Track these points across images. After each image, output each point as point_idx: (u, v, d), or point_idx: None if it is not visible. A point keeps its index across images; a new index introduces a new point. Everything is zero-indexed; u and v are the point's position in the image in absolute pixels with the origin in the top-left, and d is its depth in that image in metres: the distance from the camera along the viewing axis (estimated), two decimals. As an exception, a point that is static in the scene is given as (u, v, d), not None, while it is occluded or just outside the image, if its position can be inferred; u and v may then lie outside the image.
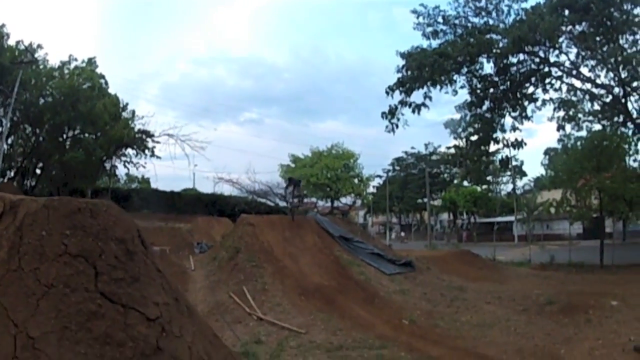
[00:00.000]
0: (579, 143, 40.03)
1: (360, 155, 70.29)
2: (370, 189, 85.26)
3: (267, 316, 19.72)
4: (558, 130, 39.68)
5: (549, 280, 31.20)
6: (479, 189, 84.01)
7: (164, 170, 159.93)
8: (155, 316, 4.98)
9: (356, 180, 70.88)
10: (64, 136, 54.42)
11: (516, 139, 37.78)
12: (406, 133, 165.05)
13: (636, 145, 39.96)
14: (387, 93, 36.36)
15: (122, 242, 5.17)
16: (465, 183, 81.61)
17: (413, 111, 36.46)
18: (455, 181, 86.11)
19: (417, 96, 36.38)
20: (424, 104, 36.16)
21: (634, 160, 41.98)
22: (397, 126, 36.92)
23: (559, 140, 41.09)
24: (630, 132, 39.53)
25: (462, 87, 37.27)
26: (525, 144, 37.87)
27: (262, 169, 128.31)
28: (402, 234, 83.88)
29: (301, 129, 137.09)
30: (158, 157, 57.69)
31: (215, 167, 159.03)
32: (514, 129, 37.94)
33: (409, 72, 35.57)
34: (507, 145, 38.35)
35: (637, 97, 37.26)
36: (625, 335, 17.29)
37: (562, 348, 16.96)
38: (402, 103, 36.57)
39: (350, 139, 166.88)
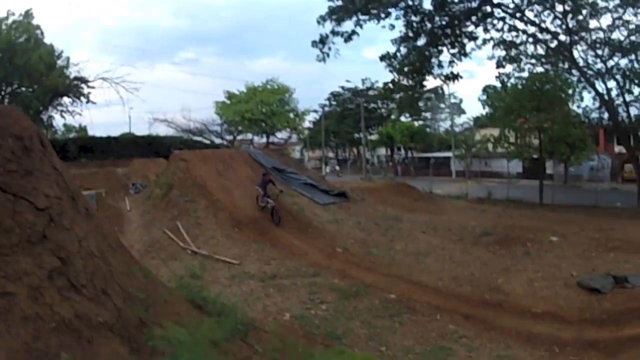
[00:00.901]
0: (519, 82, 40.40)
1: (295, 90, 70.20)
2: (307, 124, 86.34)
3: (202, 249, 19.81)
4: (497, 67, 40.29)
5: (486, 213, 31.95)
6: (416, 124, 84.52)
7: (101, 116, 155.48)
8: (44, 206, 5.18)
9: (292, 115, 70.76)
10: (2, 93, 53.01)
11: (451, 72, 38.56)
12: (346, 70, 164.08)
13: (581, 92, 41.09)
14: (319, 22, 36.30)
15: (19, 139, 5.40)
16: (403, 119, 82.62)
17: (345, 40, 36.62)
18: (393, 116, 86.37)
19: (349, 27, 36.55)
20: (354, 32, 36.26)
21: (578, 107, 42.99)
22: (328, 55, 37.15)
23: (497, 77, 41.44)
24: (575, 80, 40.46)
25: (397, 19, 37.17)
26: (461, 77, 38.82)
27: (199, 108, 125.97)
28: (337, 167, 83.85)
29: (239, 67, 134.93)
30: (94, 103, 56.76)
31: (152, 109, 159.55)
32: (450, 62, 38.36)
33: (340, 2, 35.57)
34: (442, 79, 39.31)
35: (585, 46, 38.16)
36: (566, 270, 17.94)
37: (500, 278, 17.47)
38: (333, 32, 36.54)
39: (289, 75, 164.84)
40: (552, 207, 34.98)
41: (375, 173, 73.76)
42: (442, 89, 43.65)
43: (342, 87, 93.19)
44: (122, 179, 42.51)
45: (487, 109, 45.39)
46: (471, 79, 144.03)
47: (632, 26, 36.53)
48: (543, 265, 18.71)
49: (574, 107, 42.97)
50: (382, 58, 38.36)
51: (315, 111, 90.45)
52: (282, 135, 74.03)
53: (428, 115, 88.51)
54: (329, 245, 21.05)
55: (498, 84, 41.98)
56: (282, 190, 25.69)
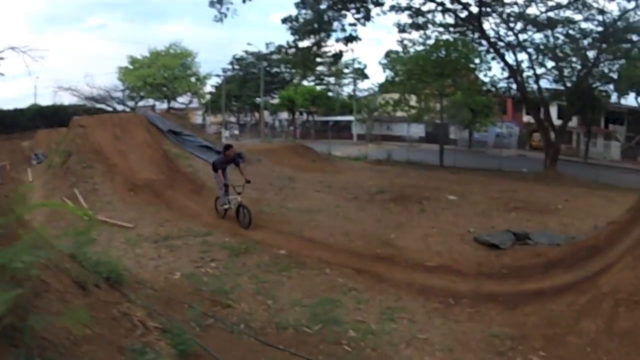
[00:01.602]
0: (422, 48, 40.84)
1: (198, 53, 69.17)
2: (209, 89, 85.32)
3: (98, 215, 18.97)
4: (400, 32, 41.04)
5: (384, 173, 32.44)
6: (318, 88, 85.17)
7: (10, 89, 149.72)
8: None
9: (193, 79, 69.72)
10: None
11: (350, 34, 39.09)
12: (255, 35, 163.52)
13: (489, 62, 42.41)
14: (215, -18, 35.67)
15: None
16: (305, 82, 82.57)
17: (243, 0, 37.15)
18: (295, 80, 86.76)
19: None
20: None
21: (485, 76, 44.21)
22: (225, 15, 37.70)
23: (399, 42, 41.98)
24: (484, 50, 41.79)
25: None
26: (360, 39, 39.28)
27: (104, 74, 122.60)
28: (236, 132, 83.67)
29: (147, 32, 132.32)
30: (2, 75, 54.20)
31: (58, 79, 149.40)
32: (351, 25, 39.12)
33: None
34: (342, 41, 39.81)
35: (498, 19, 39.59)
36: (464, 227, 18.04)
37: (393, 233, 17.40)
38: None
39: (198, 40, 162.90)
40: (453, 169, 35.99)
41: (275, 137, 73.87)
42: (340, 51, 43.87)
43: (246, 52, 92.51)
44: (27, 151, 41.90)
45: (387, 73, 45.85)
46: (379, 46, 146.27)
47: (551, 3, 38.16)
48: (439, 222, 18.88)
49: (482, 76, 44.24)
50: (284, 20, 38.85)
51: (219, 75, 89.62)
52: (183, 100, 72.48)
53: (332, 80, 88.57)
54: None
55: (399, 49, 42.47)
56: (248, 180, 18.69)
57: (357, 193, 24.00)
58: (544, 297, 11.93)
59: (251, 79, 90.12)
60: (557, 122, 44.02)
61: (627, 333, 9.73)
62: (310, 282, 12.98)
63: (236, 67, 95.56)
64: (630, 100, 62.03)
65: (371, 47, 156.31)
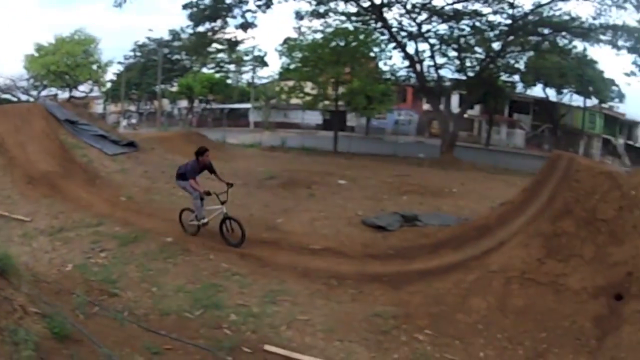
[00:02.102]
0: (319, 35, 41.51)
1: (101, 39, 67.72)
2: (111, 77, 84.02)
3: None
4: (296, 18, 41.94)
5: (276, 159, 32.76)
6: (217, 75, 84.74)
7: None
8: None
9: (95, 67, 68.05)
10: None
11: (246, 21, 40.08)
12: (164, 21, 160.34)
13: (390, 52, 43.25)
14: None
15: None
16: (205, 70, 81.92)
17: None
18: (195, 68, 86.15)
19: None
20: None
21: (385, 64, 45.55)
22: (125, 1, 38.07)
23: (296, 29, 42.38)
24: (386, 39, 42.20)
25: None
26: (256, 25, 40.83)
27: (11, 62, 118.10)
28: (133, 121, 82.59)
29: (58, 17, 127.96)
30: None
31: None
32: (247, 11, 39.74)
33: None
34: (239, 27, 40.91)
35: (402, 10, 40.07)
36: (352, 211, 18.05)
37: (280, 218, 17.56)
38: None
39: (106, 26, 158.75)
40: (347, 155, 36.51)
41: (173, 125, 73.20)
42: (236, 38, 44.13)
43: (148, 38, 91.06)
44: None
45: (283, 60, 46.00)
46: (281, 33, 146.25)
47: None
48: (327, 206, 19.02)
49: (382, 65, 45.35)
50: (185, 6, 38.72)
51: (121, 63, 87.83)
52: (84, 88, 70.74)
53: (232, 67, 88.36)
54: (114, 195, 20.80)
55: (299, 36, 42.72)
56: (230, 183, 15.95)
57: (247, 179, 24.09)
58: (431, 276, 12.12)
59: (152, 66, 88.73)
60: (458, 110, 45.45)
61: (521, 310, 10.21)
62: (195, 268, 13.10)
63: (138, 54, 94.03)
64: (537, 90, 64.48)
65: (278, 35, 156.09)
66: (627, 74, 45.51)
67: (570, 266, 10.78)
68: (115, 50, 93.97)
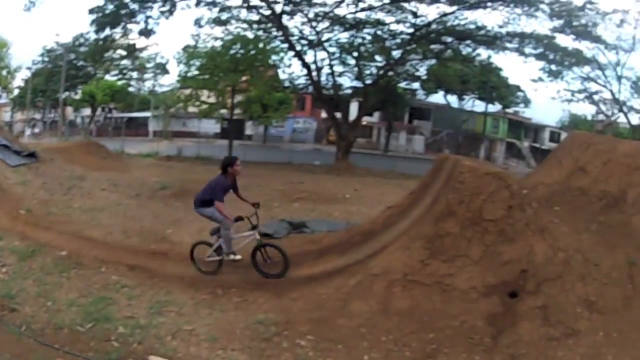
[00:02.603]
0: (218, 42, 41.36)
1: (12, 44, 65.26)
2: (20, 82, 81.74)
3: None
4: (198, 27, 41.95)
5: (171, 169, 32.82)
6: (119, 82, 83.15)
7: None
8: None
9: (5, 73, 65.62)
10: None
11: (145, 27, 39.99)
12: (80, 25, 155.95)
13: (290, 60, 43.64)
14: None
15: None
16: (108, 77, 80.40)
17: None
18: (99, 74, 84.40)
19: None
20: None
21: (284, 72, 45.79)
22: (34, 4, 37.49)
23: (195, 36, 42.27)
24: (286, 47, 42.23)
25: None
26: (154, 32, 40.73)
27: None
28: (37, 130, 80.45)
29: None
30: None
31: None
32: (149, 18, 39.58)
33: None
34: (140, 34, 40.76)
35: (304, 18, 40.57)
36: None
37: (170, 229, 17.74)
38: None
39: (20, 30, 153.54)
40: (242, 163, 36.10)
41: (75, 134, 71.56)
42: (134, 44, 43.76)
43: (57, 43, 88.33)
44: None
45: (181, 67, 45.76)
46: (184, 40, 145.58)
47: (362, 5, 39.39)
48: None
49: (281, 73, 45.75)
50: (91, 11, 38.01)
51: (29, 68, 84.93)
52: (-7, 95, 68.12)
53: (134, 74, 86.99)
54: (15, 208, 19.94)
55: (199, 44, 42.50)
56: (257, 203, 13.93)
57: (140, 190, 24.07)
58: (314, 282, 12.32)
59: (58, 72, 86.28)
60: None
61: (406, 312, 10.31)
62: (87, 282, 13.02)
63: (46, 59, 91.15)
64: (438, 97, 66.70)
65: (181, 42, 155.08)
66: (534, 80, 48.26)
67: (456, 266, 10.99)
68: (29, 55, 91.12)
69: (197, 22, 40.42)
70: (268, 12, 40.29)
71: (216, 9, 40.09)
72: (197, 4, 38.61)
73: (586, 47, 45.51)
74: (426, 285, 10.83)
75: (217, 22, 41.05)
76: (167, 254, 15.29)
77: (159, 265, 14.26)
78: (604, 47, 46.95)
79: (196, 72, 40.61)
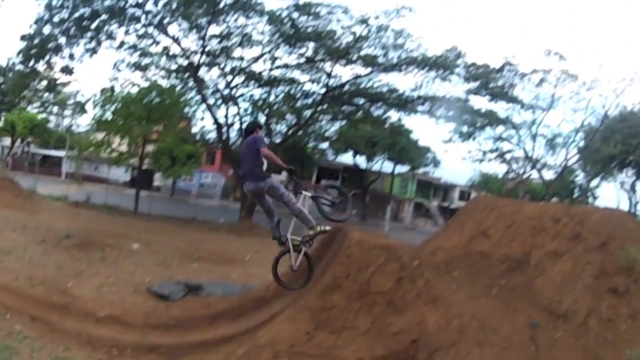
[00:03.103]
0: (133, 89, 40.76)
1: None
2: None
3: None
4: (114, 69, 40.68)
5: (78, 216, 31.90)
6: (39, 116, 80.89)
7: None
8: None
9: None
10: None
11: (67, 65, 38.73)
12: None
13: (203, 113, 43.17)
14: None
15: None
16: (30, 108, 78.30)
17: None
18: (23, 104, 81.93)
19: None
20: None
21: (195, 125, 45.66)
22: None
23: (112, 80, 41.76)
24: (199, 101, 42.15)
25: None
26: (73, 71, 39.51)
27: None
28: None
29: None
30: None
31: None
32: (71, 55, 38.01)
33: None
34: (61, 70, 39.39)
35: (219, 72, 40.33)
36: (141, 277, 18.50)
37: (71, 281, 17.48)
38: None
39: None
40: (147, 216, 36.31)
41: (-3, 166, 69.25)
42: (54, 80, 42.95)
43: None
44: None
45: (97, 111, 45.16)
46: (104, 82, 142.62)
47: (279, 62, 39.62)
48: (118, 271, 19.21)
49: (193, 125, 45.35)
50: (23, 38, 36.75)
51: None
52: None
53: (55, 109, 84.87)
54: None
55: (117, 88, 42.01)
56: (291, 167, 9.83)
57: (47, 236, 23.34)
58: (205, 348, 12.68)
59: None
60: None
61: None
62: (-8, 329, 12.69)
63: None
64: (347, 157, 67.57)
65: (102, 82, 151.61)
66: (445, 142, 48.73)
67: (343, 338, 11.26)
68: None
69: (116, 66, 39.81)
70: (186, 62, 39.91)
71: (137, 54, 39.53)
72: (119, 47, 38.08)
73: (501, 108, 47.11)
74: (312, 357, 11.07)
75: (137, 66, 40.37)
76: (68, 307, 15.19)
77: (59, 319, 14.27)
78: (520, 107, 48.55)
79: (111, 117, 40.13)
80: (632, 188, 70.52)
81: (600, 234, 13.55)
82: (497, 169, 63.24)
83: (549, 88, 48.02)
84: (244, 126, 40.51)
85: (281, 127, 45.22)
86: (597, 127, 53.72)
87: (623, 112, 56.57)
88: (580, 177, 69.38)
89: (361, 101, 42.97)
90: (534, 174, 58.36)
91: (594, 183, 69.03)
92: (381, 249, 12.30)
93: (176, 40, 37.57)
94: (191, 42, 38.27)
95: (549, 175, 56.76)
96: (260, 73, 40.44)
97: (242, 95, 42.02)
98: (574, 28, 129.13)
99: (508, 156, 56.87)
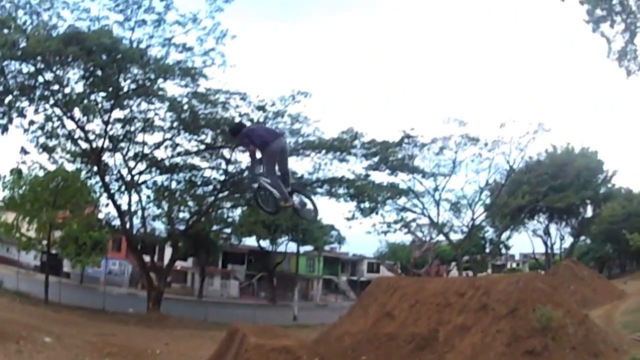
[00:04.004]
0: (40, 172, 39.52)
1: None
2: None
3: None
4: (22, 153, 38.60)
5: None
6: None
7: None
8: None
9: None
10: None
11: None
12: None
13: (108, 198, 41.54)
14: None
15: None
16: None
17: None
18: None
19: None
20: None
21: (100, 211, 44.65)
22: None
23: (20, 163, 40.57)
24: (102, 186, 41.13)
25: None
26: None
27: None
28: None
29: None
30: None
31: None
32: None
33: None
34: None
35: (123, 159, 39.62)
36: None
37: None
38: None
39: None
40: (57, 306, 35.31)
41: None
42: None
43: None
44: None
45: (6, 193, 43.77)
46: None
47: (180, 149, 39.77)
48: None
49: (101, 211, 44.55)
50: None
51: None
52: None
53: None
54: None
55: (25, 170, 40.85)
56: None
57: None
58: None
59: None
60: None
61: None
62: None
63: None
64: (251, 241, 67.38)
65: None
66: (348, 219, 48.20)
67: None
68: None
69: (23, 150, 38.40)
70: (90, 146, 38.60)
71: (44, 135, 38.02)
72: (28, 127, 36.87)
73: (402, 180, 48.41)
74: None
75: (44, 148, 38.39)
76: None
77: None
78: (422, 176, 49.93)
79: (18, 201, 39.05)
80: (546, 232, 73.32)
81: (508, 301, 13.91)
82: (404, 237, 64.17)
83: (450, 154, 49.79)
84: (146, 214, 40.40)
85: (184, 215, 44.62)
86: (502, 182, 55.07)
87: (529, 163, 59.02)
88: (490, 232, 71.04)
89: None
90: (442, 237, 59.54)
91: (504, 236, 70.61)
92: (279, 351, 12.41)
93: (78, 122, 36.84)
94: (95, 125, 37.71)
95: (457, 236, 58.08)
96: (162, 159, 40.45)
97: (145, 182, 41.69)
98: (474, 92, 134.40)
99: (413, 225, 57.85)
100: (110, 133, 37.52)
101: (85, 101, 34.30)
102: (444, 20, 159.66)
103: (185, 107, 35.60)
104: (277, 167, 10.25)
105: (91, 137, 37.93)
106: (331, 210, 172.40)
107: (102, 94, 34.82)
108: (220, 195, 42.77)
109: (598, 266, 79.14)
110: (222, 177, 42.01)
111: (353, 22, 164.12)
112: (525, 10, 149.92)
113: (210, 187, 43.16)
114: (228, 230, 55.75)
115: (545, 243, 75.01)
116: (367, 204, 46.64)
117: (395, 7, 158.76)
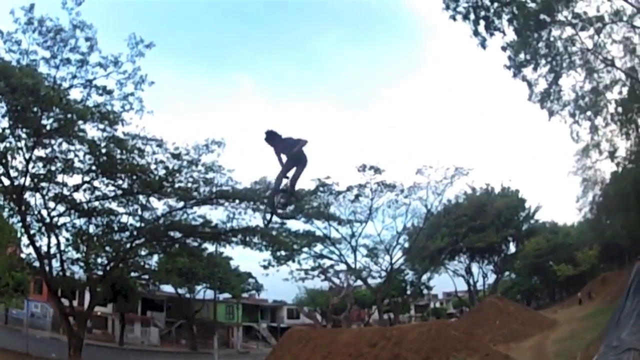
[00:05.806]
0: None
1: None
2: None
3: None
4: None
5: None
6: None
7: None
8: None
9: None
10: None
11: None
12: None
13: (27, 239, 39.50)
14: None
15: None
16: None
17: None
18: None
19: None
20: None
21: (22, 252, 42.31)
22: None
23: None
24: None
25: None
26: None
27: None
28: None
29: None
30: None
31: None
32: None
33: None
34: None
35: (43, 200, 37.99)
36: None
37: None
38: None
39: None
40: None
41: None
42: None
43: None
44: None
45: None
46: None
47: (98, 193, 38.35)
48: None
49: (22, 252, 42.40)
50: None
51: None
52: None
53: None
54: None
55: None
56: None
57: None
58: None
59: None
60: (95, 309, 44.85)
61: None
62: None
63: None
64: (170, 288, 67.42)
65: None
66: (264, 266, 49.58)
67: None
68: None
69: None
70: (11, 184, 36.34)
71: None
72: None
73: (317, 228, 49.43)
74: None
75: None
76: None
77: None
78: (338, 224, 50.56)
79: None
80: (468, 271, 74.36)
81: (420, 351, 14.11)
82: (323, 284, 64.64)
83: (366, 201, 50.87)
84: (64, 257, 38.71)
85: (102, 260, 43.25)
86: (420, 226, 55.49)
87: (447, 206, 59.93)
88: (410, 275, 71.49)
89: (177, 234, 42.97)
90: (360, 282, 60.30)
91: (425, 277, 71.25)
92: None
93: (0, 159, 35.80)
94: (18, 162, 35.94)
95: (376, 281, 58.62)
96: (81, 202, 39.30)
97: (64, 224, 40.21)
98: (390, 138, 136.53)
99: (331, 271, 58.35)
100: (32, 171, 36.02)
101: (9, 140, 33.52)
102: (357, 67, 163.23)
103: (104, 150, 34.96)
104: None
105: (13, 174, 36.07)
106: (248, 258, 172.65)
107: (26, 130, 33.75)
108: (137, 242, 42.07)
109: (525, 299, 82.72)
110: (139, 224, 41.53)
111: (266, 73, 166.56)
112: (441, 55, 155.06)
113: (127, 233, 42.16)
114: (146, 277, 55.09)
115: (467, 282, 76.53)
116: (282, 252, 47.73)
117: (305, 51, 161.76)
